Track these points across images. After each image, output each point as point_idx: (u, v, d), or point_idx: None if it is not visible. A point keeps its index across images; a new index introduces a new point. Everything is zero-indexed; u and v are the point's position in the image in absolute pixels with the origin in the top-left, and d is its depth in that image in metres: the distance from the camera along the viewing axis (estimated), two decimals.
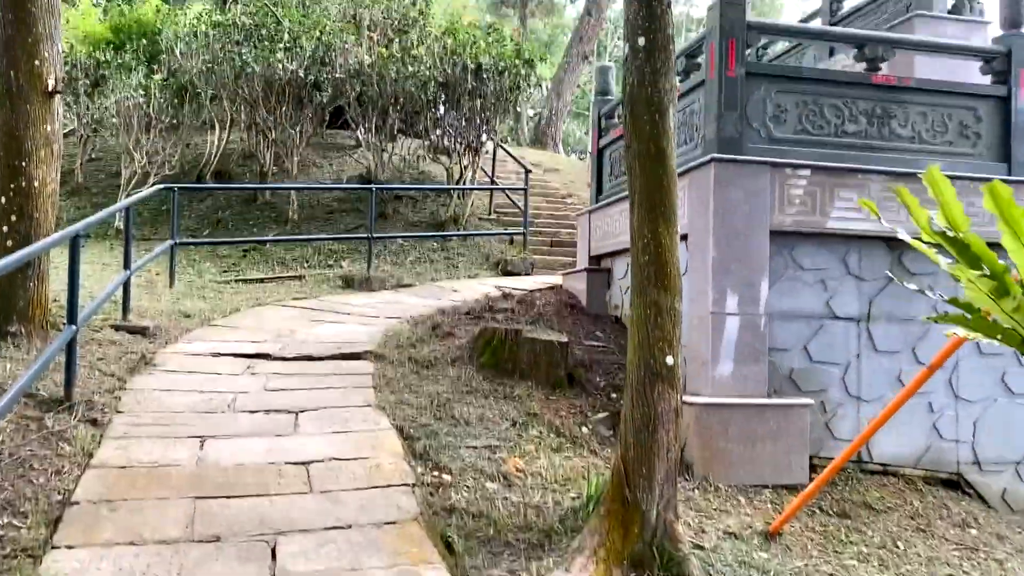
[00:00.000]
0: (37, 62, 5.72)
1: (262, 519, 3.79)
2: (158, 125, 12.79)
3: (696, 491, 5.29)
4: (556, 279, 10.13)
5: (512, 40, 12.40)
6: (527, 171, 12.66)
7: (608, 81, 8.89)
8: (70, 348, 4.88)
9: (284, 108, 11.88)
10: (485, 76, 11.50)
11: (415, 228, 12.25)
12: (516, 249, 11.90)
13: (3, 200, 5.65)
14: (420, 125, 12.12)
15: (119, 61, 13.18)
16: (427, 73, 11.46)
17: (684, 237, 5.51)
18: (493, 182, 13.73)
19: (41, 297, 5.87)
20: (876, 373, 6.18)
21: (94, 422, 4.74)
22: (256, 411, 5.21)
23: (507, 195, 13.31)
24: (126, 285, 6.94)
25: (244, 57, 11.46)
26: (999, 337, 2.34)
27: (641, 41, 4.54)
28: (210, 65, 11.96)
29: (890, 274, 5.84)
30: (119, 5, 16.89)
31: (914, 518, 5.60)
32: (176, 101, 12.95)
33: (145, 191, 8.76)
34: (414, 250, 11.50)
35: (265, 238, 11.51)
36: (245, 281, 9.79)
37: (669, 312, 4.37)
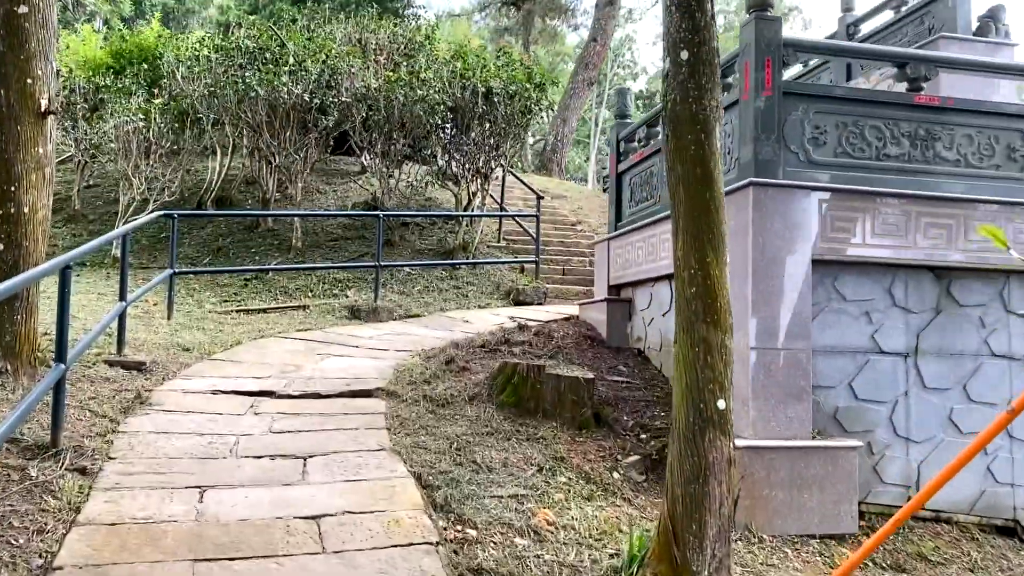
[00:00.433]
0: (29, 80, 5.36)
1: None
2: (158, 150, 12.44)
3: (739, 542, 4.86)
4: (571, 309, 9.73)
5: (522, 63, 12.08)
6: (539, 197, 12.31)
7: (626, 103, 8.56)
8: (58, 389, 4.45)
9: (288, 133, 11.53)
10: (496, 100, 11.17)
11: (422, 256, 11.85)
12: (527, 278, 11.50)
13: None
14: (428, 150, 11.77)
15: (119, 85, 12.88)
16: (436, 97, 11.13)
17: None
18: (502, 208, 13.37)
19: (29, 331, 5.45)
20: (925, 412, 5.77)
21: (83, 471, 4.31)
22: (261, 456, 4.78)
23: (518, 222, 12.93)
24: (121, 317, 6.53)
25: (248, 80, 11.13)
26: None
27: (684, 55, 4.19)
28: (212, 89, 11.62)
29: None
30: (120, 30, 16.65)
31: (973, 571, 5.17)
32: (177, 126, 12.62)
33: (143, 218, 8.38)
34: (422, 279, 11.09)
35: (268, 267, 11.11)
36: (247, 312, 9.37)
37: (720, 350, 3.98)
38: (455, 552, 3.90)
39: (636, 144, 8.12)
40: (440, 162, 11.94)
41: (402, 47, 13.01)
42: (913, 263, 5.78)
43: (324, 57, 11.64)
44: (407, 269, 11.16)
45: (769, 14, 5.78)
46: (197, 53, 12.40)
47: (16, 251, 5.29)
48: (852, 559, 4.61)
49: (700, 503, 3.84)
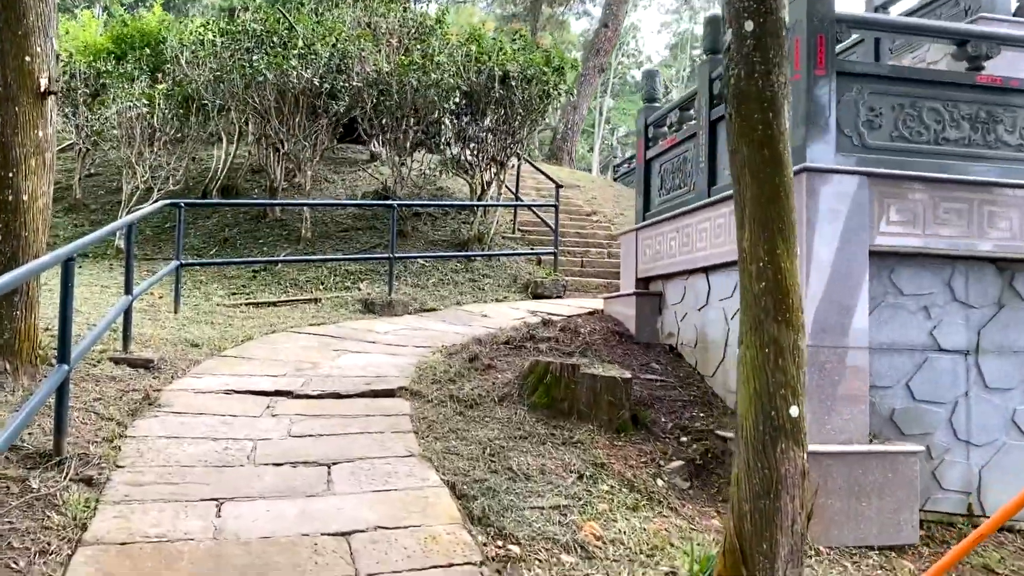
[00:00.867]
0: (28, 58, 4.96)
1: None
2: (162, 137, 12.04)
3: None
4: (593, 302, 9.35)
5: (538, 46, 11.65)
6: (558, 186, 11.90)
7: (655, 87, 8.16)
8: (61, 392, 4.09)
9: (298, 118, 11.12)
10: (512, 84, 10.74)
11: (436, 247, 11.46)
12: (545, 270, 11.11)
13: None
14: (441, 137, 11.35)
15: (120, 71, 12.46)
16: (450, 81, 10.71)
17: None
18: (517, 198, 12.97)
19: (30, 328, 5.08)
20: (987, 414, 5.41)
21: (88, 481, 3.94)
22: (281, 464, 4.41)
23: (535, 212, 12.54)
24: (127, 312, 6.16)
25: (256, 64, 10.70)
26: None
27: (748, 26, 3.80)
28: (218, 74, 11.19)
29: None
30: (121, 15, 16.21)
31: None
32: (181, 112, 12.21)
33: (148, 207, 7.99)
34: (436, 271, 10.71)
35: (277, 258, 10.72)
36: (256, 305, 9.00)
37: (792, 352, 3.61)
38: (499, 572, 3.54)
39: (666, 129, 7.73)
40: (454, 149, 11.53)
41: (413, 31, 12.57)
42: (974, 254, 5.41)
43: (334, 40, 11.21)
44: (421, 261, 10.77)
45: None
46: (201, 37, 11.98)
47: (15, 242, 4.91)
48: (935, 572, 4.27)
49: (771, 520, 3.49)
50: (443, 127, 11.11)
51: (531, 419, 5.36)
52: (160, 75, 12.69)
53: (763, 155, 3.67)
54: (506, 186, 12.58)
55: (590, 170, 40.50)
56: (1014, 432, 5.42)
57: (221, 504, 3.87)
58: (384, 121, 11.30)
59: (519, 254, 11.48)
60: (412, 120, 11.17)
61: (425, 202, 12.27)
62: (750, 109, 3.70)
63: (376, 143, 12.23)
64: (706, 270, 6.53)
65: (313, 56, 10.84)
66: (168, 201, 8.85)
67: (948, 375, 5.38)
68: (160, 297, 8.94)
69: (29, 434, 4.28)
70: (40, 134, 5.05)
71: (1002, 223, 5.41)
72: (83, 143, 12.91)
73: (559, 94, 11.07)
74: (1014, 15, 9.11)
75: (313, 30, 11.51)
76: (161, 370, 5.95)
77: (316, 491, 4.10)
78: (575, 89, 21.32)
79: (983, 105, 5.55)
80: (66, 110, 12.44)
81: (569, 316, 8.23)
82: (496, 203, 11.90)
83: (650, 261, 7.53)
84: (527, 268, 11.26)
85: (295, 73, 10.63)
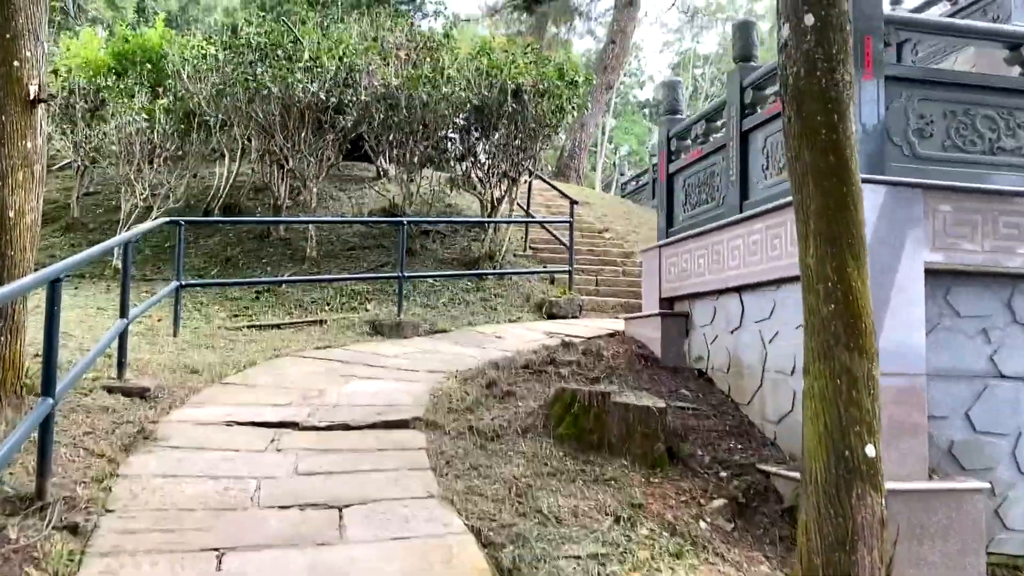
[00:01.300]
0: (16, 63, 4.60)
1: None
2: (162, 154, 11.69)
3: None
4: (611, 323, 8.94)
5: (551, 60, 11.31)
6: (573, 203, 11.52)
7: (677, 98, 7.79)
8: (45, 428, 3.68)
9: (304, 133, 10.76)
10: (525, 98, 10.38)
11: (446, 266, 11.05)
12: (559, 289, 10.70)
13: None
14: (451, 152, 10.98)
15: (120, 86, 12.13)
16: (461, 95, 10.35)
17: None
18: (529, 215, 12.58)
19: (15, 355, 4.67)
20: None
21: (74, 529, 3.52)
22: (288, 506, 3.99)
23: (548, 230, 12.14)
24: (122, 336, 5.75)
25: (260, 77, 10.36)
26: None
27: (809, 19, 3.45)
28: (221, 87, 10.85)
29: None
30: (123, 33, 15.91)
31: None
32: (182, 128, 11.86)
33: (147, 224, 7.61)
34: (447, 290, 10.30)
35: (281, 278, 10.32)
36: (259, 327, 8.60)
37: (867, 383, 3.21)
38: None
39: (690, 142, 7.35)
40: (465, 164, 11.15)
41: (421, 45, 12.25)
42: None
43: (341, 54, 10.88)
44: (431, 280, 10.37)
45: None
46: (204, 52, 11.66)
47: None
48: None
49: (847, 575, 3.07)
50: (453, 142, 10.74)
51: (558, 453, 4.94)
52: (161, 90, 12.35)
53: (828, 161, 3.30)
54: (517, 203, 12.20)
55: (593, 187, 40.19)
56: None
57: (222, 555, 3.45)
58: (392, 136, 10.95)
59: (533, 272, 11.08)
60: (421, 135, 10.82)
61: (436, 219, 11.88)
62: (812, 110, 3.34)
63: (384, 159, 11.87)
64: (739, 289, 6.13)
65: (319, 69, 10.51)
66: (168, 219, 8.48)
67: (1010, 404, 4.96)
68: (159, 320, 8.54)
69: (10, 474, 3.88)
70: (28, 145, 4.68)
71: None
72: (81, 160, 12.56)
73: (573, 108, 10.70)
74: None
75: (319, 43, 11.18)
76: (158, 399, 5.54)
77: (327, 539, 3.68)
78: (588, 104, 21.05)
79: None
80: (64, 127, 12.10)
81: (589, 338, 7.82)
82: (509, 219, 11.51)
83: (675, 280, 7.13)
84: (540, 287, 10.85)
85: (301, 87, 10.28)
